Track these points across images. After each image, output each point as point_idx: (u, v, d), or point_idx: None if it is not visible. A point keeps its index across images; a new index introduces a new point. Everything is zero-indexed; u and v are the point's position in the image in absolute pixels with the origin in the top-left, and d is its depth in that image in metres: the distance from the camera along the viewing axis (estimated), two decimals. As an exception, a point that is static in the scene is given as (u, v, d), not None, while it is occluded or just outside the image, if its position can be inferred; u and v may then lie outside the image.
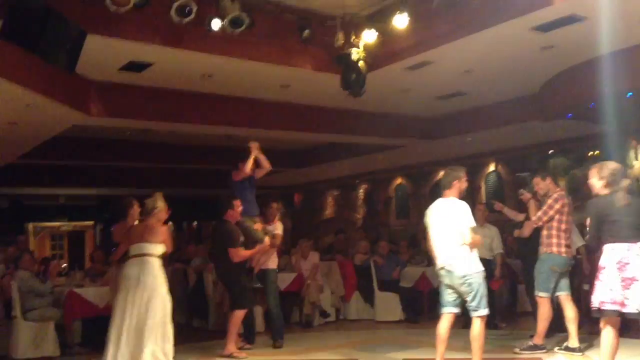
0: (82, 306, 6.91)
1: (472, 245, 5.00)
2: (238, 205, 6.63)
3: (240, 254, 6.54)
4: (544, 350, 6.11)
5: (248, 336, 7.07)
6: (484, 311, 5.03)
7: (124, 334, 5.33)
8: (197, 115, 8.55)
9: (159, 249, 5.59)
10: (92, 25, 5.71)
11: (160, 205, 5.71)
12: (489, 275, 7.99)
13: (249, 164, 6.90)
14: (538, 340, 6.15)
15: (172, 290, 9.91)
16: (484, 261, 7.07)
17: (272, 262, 7.27)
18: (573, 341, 6.00)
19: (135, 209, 6.29)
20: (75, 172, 13.32)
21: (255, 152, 6.98)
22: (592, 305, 4.53)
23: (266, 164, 7.15)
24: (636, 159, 9.61)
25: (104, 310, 6.98)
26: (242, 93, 8.44)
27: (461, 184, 5.16)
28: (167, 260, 12.27)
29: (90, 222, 17.43)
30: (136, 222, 6.18)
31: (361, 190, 15.97)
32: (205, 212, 14.07)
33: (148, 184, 14.17)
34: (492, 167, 12.57)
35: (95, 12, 5.80)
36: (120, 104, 7.88)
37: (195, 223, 18.21)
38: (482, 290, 5.02)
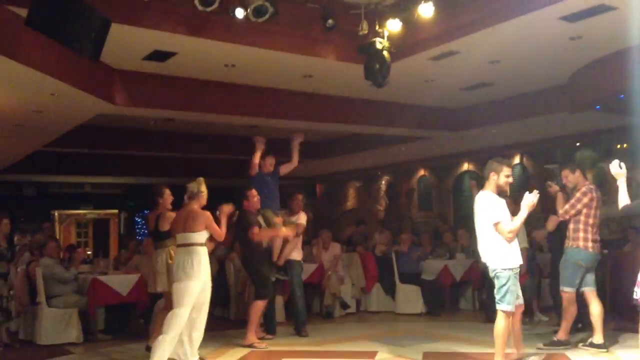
0: (105, 294, 6.99)
1: (509, 240, 4.92)
2: (253, 195, 6.70)
3: (260, 233, 6.58)
4: (568, 346, 6.01)
5: (269, 327, 7.08)
6: (507, 307, 4.94)
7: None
8: (220, 105, 8.55)
9: (202, 236, 5.58)
10: (117, 14, 5.71)
11: (204, 189, 5.76)
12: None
13: (255, 158, 6.97)
14: (562, 335, 6.06)
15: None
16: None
17: (297, 254, 7.30)
18: (598, 337, 5.90)
19: (167, 197, 6.34)
20: (100, 161, 13.44)
21: (260, 147, 7.05)
22: (635, 297, 4.49)
23: (295, 160, 7.20)
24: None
25: (127, 298, 7.10)
26: (265, 83, 8.42)
27: (499, 177, 4.98)
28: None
29: (115, 211, 17.64)
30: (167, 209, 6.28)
31: (383, 182, 15.89)
32: (228, 202, 14.11)
33: (172, 173, 14.24)
34: (517, 160, 12.39)
35: (120, 0, 5.83)
36: (144, 93, 7.90)
37: (218, 213, 18.29)
38: (510, 286, 4.92)
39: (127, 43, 6.51)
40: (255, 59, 7.18)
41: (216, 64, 7.41)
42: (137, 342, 6.57)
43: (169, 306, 5.73)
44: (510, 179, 5.04)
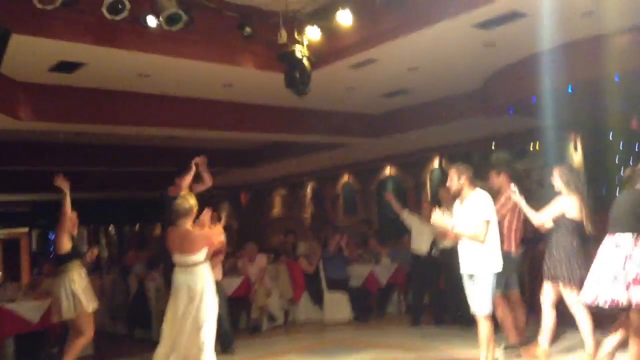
0: (13, 323, 6.49)
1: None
2: None
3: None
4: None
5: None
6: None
7: (177, 338, 5.38)
8: (135, 117, 8.18)
9: (201, 255, 5.47)
10: (17, 24, 5.33)
11: (194, 202, 5.58)
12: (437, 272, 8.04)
13: (187, 179, 6.62)
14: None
15: (112, 299, 9.58)
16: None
17: (217, 274, 7.04)
18: (511, 338, 6.06)
19: (72, 215, 6.00)
20: (7, 177, 12.65)
21: (197, 169, 6.72)
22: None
23: (207, 181, 6.89)
24: (575, 151, 9.88)
25: (38, 326, 6.64)
26: (182, 93, 8.15)
27: (448, 183, 5.31)
28: (107, 267, 11.79)
29: (25, 229, 16.66)
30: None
31: (308, 189, 15.85)
32: (148, 215, 13.66)
33: (86, 188, 13.57)
34: (436, 163, 12.65)
35: (19, 9, 5.41)
36: (51, 106, 7.43)
37: (137, 226, 17.68)
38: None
39: (30, 54, 6.11)
40: (171, 68, 6.92)
41: (129, 74, 7.08)
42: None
43: (78, 333, 5.63)
44: (448, 183, 5.30)
